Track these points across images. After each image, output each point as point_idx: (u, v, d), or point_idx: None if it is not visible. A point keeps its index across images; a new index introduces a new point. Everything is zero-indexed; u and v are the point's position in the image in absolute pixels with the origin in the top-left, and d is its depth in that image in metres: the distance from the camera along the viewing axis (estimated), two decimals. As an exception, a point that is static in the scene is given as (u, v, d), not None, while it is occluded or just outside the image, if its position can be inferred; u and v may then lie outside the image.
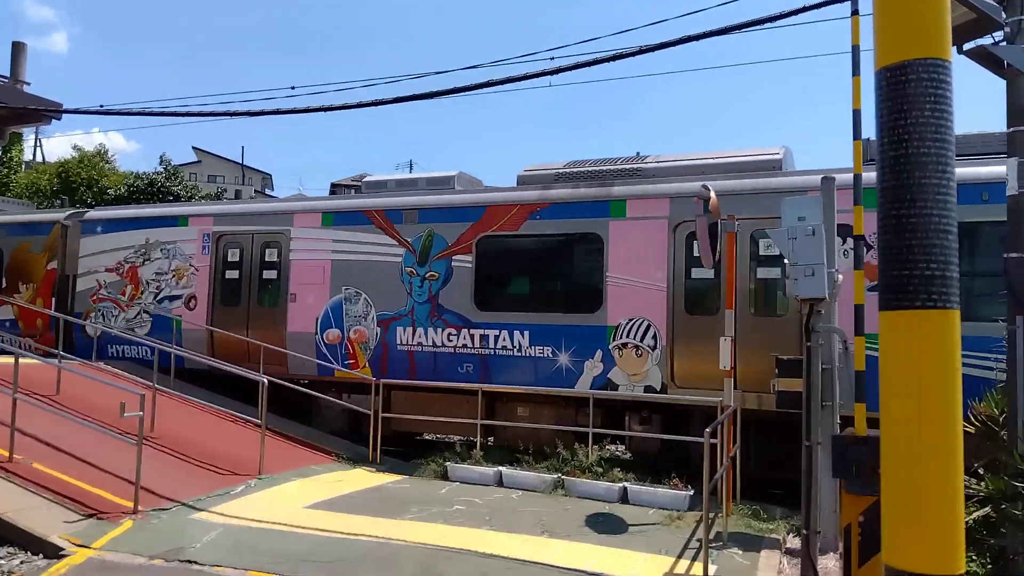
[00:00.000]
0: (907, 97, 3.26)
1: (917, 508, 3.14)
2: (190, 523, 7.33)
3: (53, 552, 6.47)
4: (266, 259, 12.84)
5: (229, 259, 13.20)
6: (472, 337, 11.13)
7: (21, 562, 6.36)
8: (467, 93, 11.31)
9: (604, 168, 11.28)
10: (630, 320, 10.21)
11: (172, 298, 13.51)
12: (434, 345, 11.37)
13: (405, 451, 11.73)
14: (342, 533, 7.11)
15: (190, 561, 6.31)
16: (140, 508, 7.42)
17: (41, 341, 14.17)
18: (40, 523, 6.86)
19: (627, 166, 11.18)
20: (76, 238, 14.60)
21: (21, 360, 8.82)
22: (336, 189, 15.49)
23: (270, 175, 63.11)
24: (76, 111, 16.76)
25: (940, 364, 3.15)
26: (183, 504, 7.83)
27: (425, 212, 11.72)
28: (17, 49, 17.69)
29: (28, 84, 17.55)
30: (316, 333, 12.16)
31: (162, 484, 8.12)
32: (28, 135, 37.38)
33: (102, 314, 14.04)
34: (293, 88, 17.18)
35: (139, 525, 7.13)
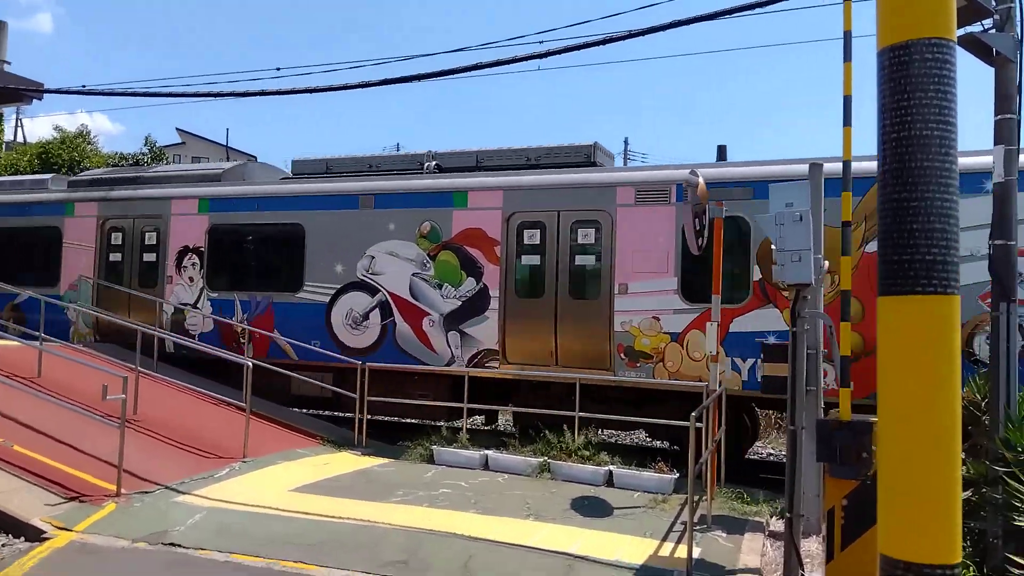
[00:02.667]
0: (910, 78, 3.20)
1: (915, 496, 3.11)
2: (174, 506, 7.29)
3: (35, 535, 6.42)
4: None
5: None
6: None
7: (2, 545, 6.31)
8: (455, 76, 11.22)
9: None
10: None
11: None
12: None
13: (391, 434, 11.73)
14: (327, 516, 7.09)
15: (174, 544, 6.28)
16: (123, 491, 7.37)
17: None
18: (21, 506, 6.80)
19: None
20: None
21: (0, 342, 8.71)
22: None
23: (255, 157, 62.40)
24: (58, 91, 16.39)
25: (941, 350, 3.13)
26: (166, 487, 7.78)
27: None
28: (-4, 28, 17.28)
29: (8, 64, 17.20)
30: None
31: (145, 467, 8.07)
32: (9, 115, 36.83)
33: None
34: (279, 69, 16.90)
35: (122, 508, 7.08)
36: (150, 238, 13.30)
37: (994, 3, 6.11)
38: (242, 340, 12.22)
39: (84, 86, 13.95)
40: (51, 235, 13.93)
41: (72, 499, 7.13)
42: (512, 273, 10.97)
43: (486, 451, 9.57)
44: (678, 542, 6.56)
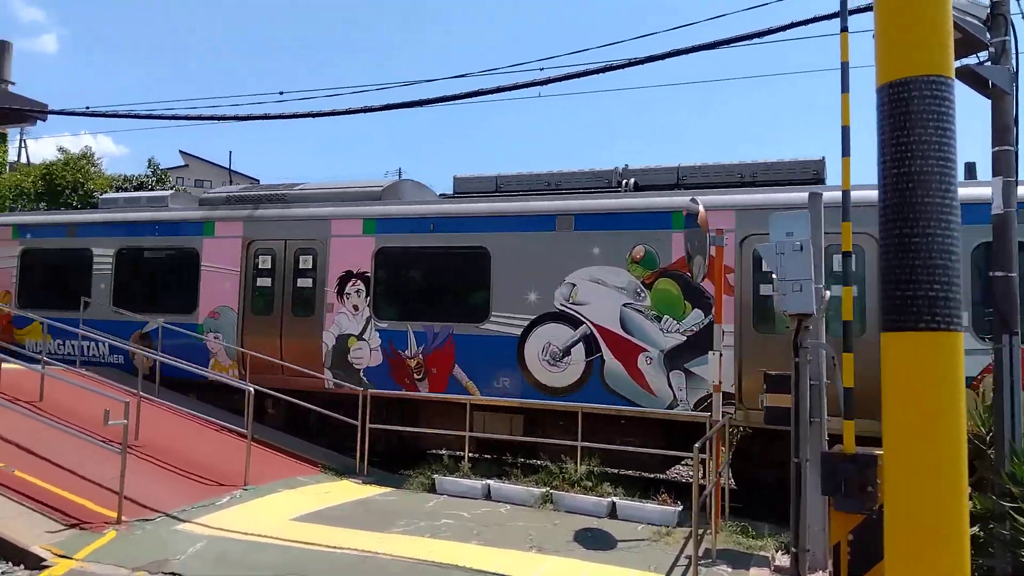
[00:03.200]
0: (910, 114, 3.24)
1: (921, 530, 3.10)
2: (174, 534, 7.25)
3: (34, 562, 6.38)
4: None
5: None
6: None
7: (2, 572, 6.27)
8: (457, 102, 11.34)
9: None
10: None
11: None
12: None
13: (393, 462, 11.67)
14: (329, 546, 7.04)
15: (174, 574, 6.24)
16: (123, 518, 7.33)
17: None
18: (21, 532, 6.77)
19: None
20: None
21: (4, 366, 8.71)
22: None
23: (257, 180, 62.85)
24: (62, 112, 16.64)
25: (944, 385, 3.14)
26: (167, 515, 7.74)
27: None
28: (1, 48, 17.45)
29: (13, 84, 17.35)
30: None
31: (146, 494, 8.03)
32: (13, 136, 37.05)
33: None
34: (282, 93, 17.13)
35: (122, 536, 7.04)
36: (305, 262, 12.01)
37: (989, 36, 6.19)
38: (416, 376, 11.04)
39: (88, 107, 14.11)
40: (186, 257, 12.79)
41: (73, 526, 7.09)
42: (748, 304, 9.63)
43: (488, 481, 9.52)
44: None
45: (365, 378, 11.29)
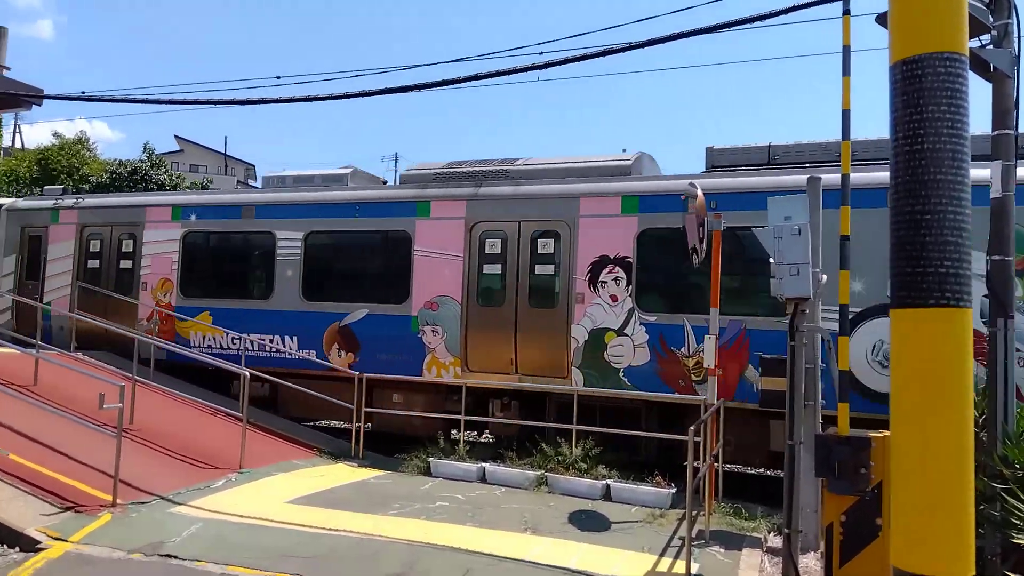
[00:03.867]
0: (923, 91, 3.22)
1: (928, 508, 3.10)
2: (170, 517, 7.26)
3: (29, 545, 6.38)
4: None
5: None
6: None
7: (-3, 555, 6.27)
8: (455, 86, 11.25)
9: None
10: None
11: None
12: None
13: (389, 446, 11.69)
14: (324, 528, 7.06)
15: (170, 555, 6.24)
16: (119, 501, 7.34)
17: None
18: (16, 515, 6.77)
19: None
20: None
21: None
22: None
23: (253, 165, 62.57)
24: (57, 97, 16.46)
25: (953, 363, 3.13)
26: (163, 498, 7.75)
27: None
28: (-4, 33, 17.30)
29: (8, 69, 17.21)
30: None
31: (141, 477, 8.04)
32: (8, 121, 36.81)
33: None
34: (279, 78, 17.06)
35: (118, 518, 7.04)
36: (544, 245, 10.74)
37: (991, 19, 6.15)
38: (694, 377, 9.68)
39: (83, 92, 13.98)
40: (395, 241, 11.62)
41: (68, 509, 7.09)
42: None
43: (483, 464, 9.55)
44: (676, 557, 6.54)
45: (626, 379, 10.05)
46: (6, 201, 15.51)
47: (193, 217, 13.06)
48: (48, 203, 14.58)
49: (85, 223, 14.03)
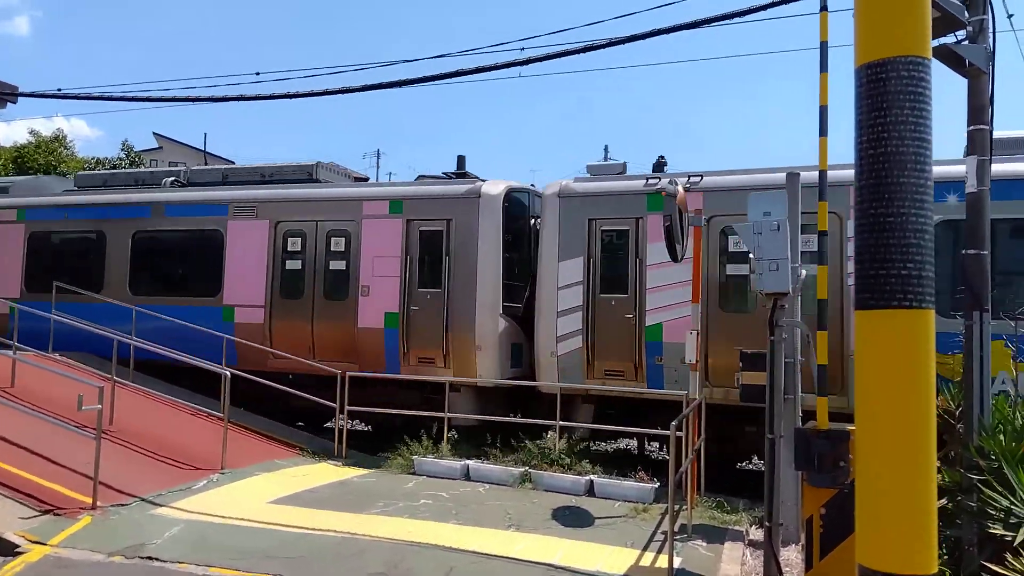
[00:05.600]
0: (887, 95, 3.26)
1: (891, 507, 3.15)
2: (151, 519, 7.20)
3: (8, 549, 6.31)
4: None
5: None
6: None
7: (-26, 560, 6.20)
8: (437, 82, 11.22)
9: None
10: None
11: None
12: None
13: (372, 445, 11.66)
14: (307, 528, 7.04)
15: (151, 558, 6.20)
16: (99, 504, 7.26)
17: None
18: (-6, 520, 6.68)
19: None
20: None
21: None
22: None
23: (233, 162, 62.07)
24: (32, 95, 16.15)
25: (915, 363, 3.18)
26: (143, 500, 7.68)
27: None
28: (-32, 30, 17.05)
29: (-19, 66, 16.98)
30: None
31: (122, 479, 7.96)
32: (-18, 119, 36.24)
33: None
34: (258, 74, 16.95)
35: (98, 521, 6.98)
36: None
37: (967, 15, 6.21)
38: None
39: (60, 89, 13.78)
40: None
41: (47, 512, 7.02)
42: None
43: (467, 461, 9.54)
44: (659, 551, 6.58)
45: None
46: None
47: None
48: None
49: None
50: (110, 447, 8.59)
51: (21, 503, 7.11)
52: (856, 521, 3.29)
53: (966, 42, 6.21)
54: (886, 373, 3.22)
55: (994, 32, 6.25)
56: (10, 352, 10.59)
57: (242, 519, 7.27)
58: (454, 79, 11.15)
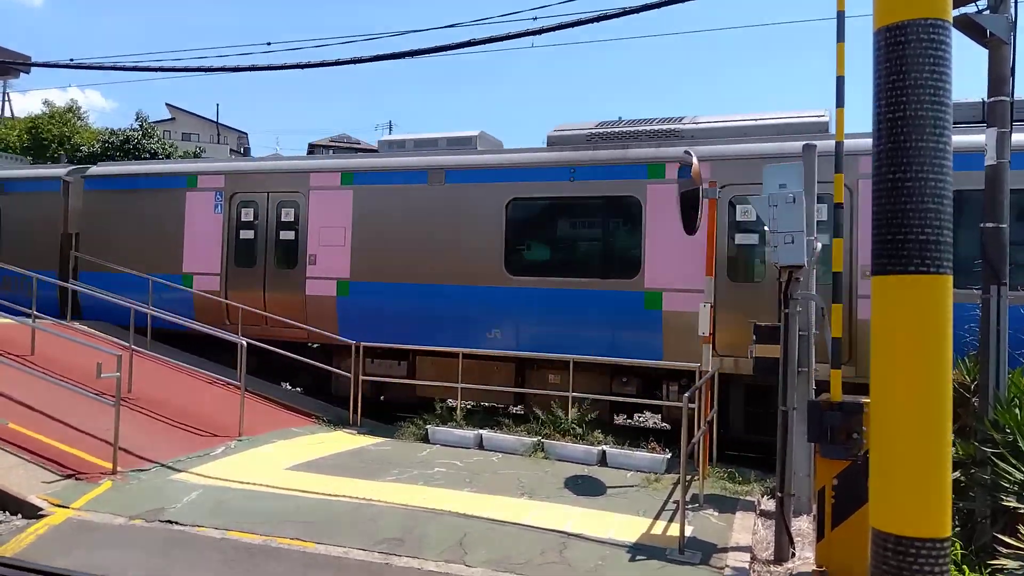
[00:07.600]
0: (906, 58, 3.21)
1: (905, 471, 3.17)
2: (170, 484, 7.33)
3: (32, 512, 6.45)
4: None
5: None
6: None
7: (0, 522, 6.34)
8: (448, 52, 11.15)
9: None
10: None
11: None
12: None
13: (386, 414, 11.78)
14: (323, 494, 7.15)
15: (170, 521, 6.32)
16: (119, 469, 7.41)
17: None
18: (18, 483, 6.83)
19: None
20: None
21: (-5, 320, 8.69)
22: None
23: (246, 133, 62.02)
24: (45, 64, 16.22)
25: (932, 329, 3.17)
26: (162, 465, 7.82)
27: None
28: (-16, 1, 17.03)
29: (-7, 37, 17.01)
30: None
31: (141, 445, 8.10)
32: (-3, 89, 36.36)
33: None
34: (269, 44, 16.87)
35: (118, 486, 7.12)
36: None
37: (989, -17, 6.09)
38: None
39: (72, 59, 13.77)
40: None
41: (68, 476, 7.16)
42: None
43: (480, 430, 9.64)
44: (670, 520, 6.64)
45: None
46: None
47: None
48: None
49: None
50: (129, 414, 8.71)
51: (44, 467, 7.25)
52: (870, 485, 3.31)
53: (987, 11, 6.09)
54: (903, 337, 3.21)
55: (1016, 1, 6.13)
56: (29, 320, 10.74)
57: (259, 485, 7.40)
58: (466, 49, 11.06)
